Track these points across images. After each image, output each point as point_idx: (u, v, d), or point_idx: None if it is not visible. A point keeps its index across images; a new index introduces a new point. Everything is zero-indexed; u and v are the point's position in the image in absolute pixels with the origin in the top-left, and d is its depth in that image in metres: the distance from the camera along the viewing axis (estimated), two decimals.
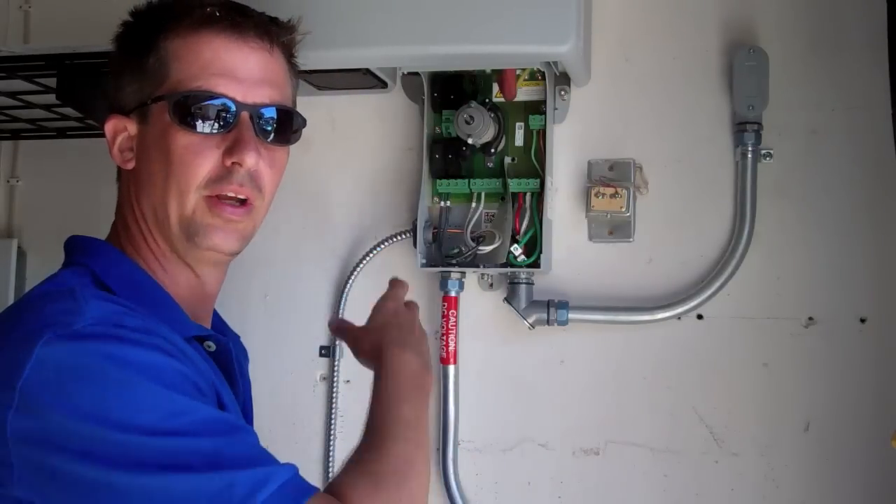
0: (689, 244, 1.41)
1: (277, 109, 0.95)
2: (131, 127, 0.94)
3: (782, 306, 1.37)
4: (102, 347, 0.78)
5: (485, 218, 1.46)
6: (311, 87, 1.46)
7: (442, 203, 1.47)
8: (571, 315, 1.40)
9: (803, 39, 1.39)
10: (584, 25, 1.33)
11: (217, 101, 0.91)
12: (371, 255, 1.50)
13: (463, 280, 1.46)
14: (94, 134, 1.55)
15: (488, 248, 1.43)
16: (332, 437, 1.52)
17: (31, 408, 0.75)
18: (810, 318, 1.37)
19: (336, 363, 1.52)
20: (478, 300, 1.48)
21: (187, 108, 0.90)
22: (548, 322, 1.41)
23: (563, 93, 1.44)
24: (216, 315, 1.06)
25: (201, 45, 0.91)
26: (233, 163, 0.90)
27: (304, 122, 1.00)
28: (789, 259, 1.38)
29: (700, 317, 1.40)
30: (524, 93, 1.44)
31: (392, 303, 1.08)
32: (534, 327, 1.42)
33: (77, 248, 0.95)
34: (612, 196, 1.39)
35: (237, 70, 0.92)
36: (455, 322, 1.45)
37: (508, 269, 1.42)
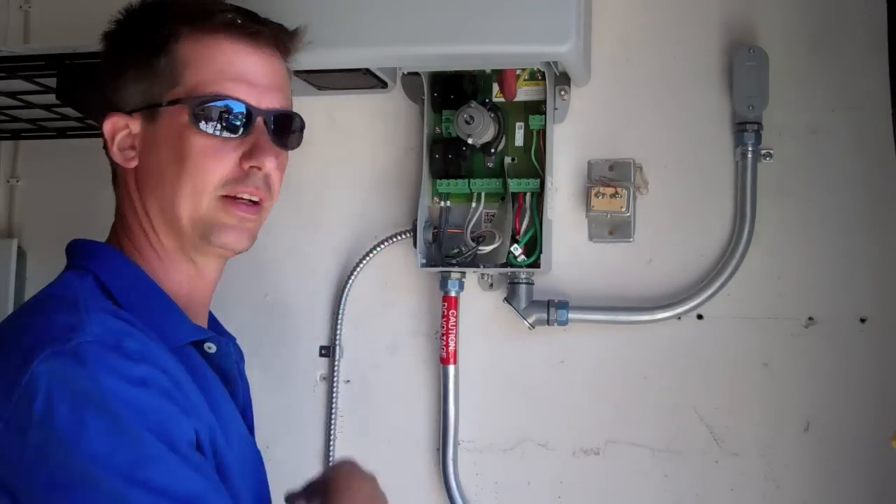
0: (689, 244, 1.41)
1: (286, 114, 0.98)
2: (134, 125, 0.94)
3: (783, 306, 1.37)
4: (95, 378, 0.77)
5: (485, 218, 1.46)
6: (311, 87, 1.46)
7: (442, 203, 1.47)
8: (571, 315, 1.40)
9: (804, 39, 1.39)
10: (584, 25, 1.33)
11: (236, 106, 0.93)
12: (371, 255, 1.50)
13: (463, 280, 1.46)
14: (94, 134, 1.54)
15: (488, 248, 1.43)
16: (332, 437, 1.52)
17: (20, 424, 0.76)
18: (811, 318, 1.37)
19: (336, 363, 1.52)
20: (478, 300, 1.48)
21: (207, 112, 0.92)
22: (548, 322, 1.40)
23: (563, 93, 1.44)
24: (212, 317, 1.06)
25: (219, 50, 0.94)
26: (251, 167, 0.94)
27: (304, 125, 1.03)
28: (790, 259, 1.38)
29: (700, 317, 1.40)
30: (524, 93, 1.44)
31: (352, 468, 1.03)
32: (534, 327, 1.42)
33: (79, 251, 0.96)
34: (612, 196, 1.39)
35: (251, 76, 0.94)
36: (455, 322, 1.45)
37: (508, 269, 1.42)
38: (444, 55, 1.32)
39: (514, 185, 1.42)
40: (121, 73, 0.95)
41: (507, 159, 1.44)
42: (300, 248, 1.56)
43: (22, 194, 1.72)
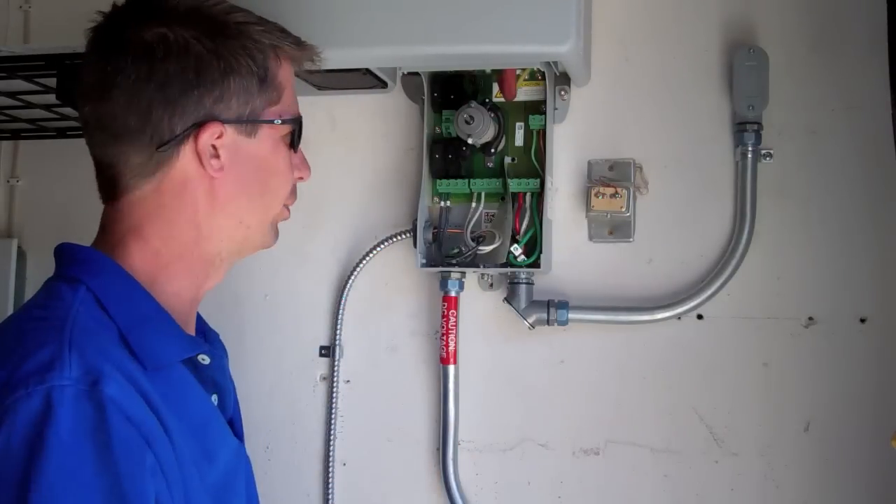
0: (689, 244, 1.41)
1: None
2: (229, 135, 0.94)
3: (782, 306, 1.37)
4: (59, 432, 0.77)
5: (485, 218, 1.46)
6: (311, 87, 1.46)
7: (442, 203, 1.47)
8: (571, 315, 1.40)
9: (803, 39, 1.39)
10: (584, 25, 1.33)
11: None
12: (371, 255, 1.50)
13: (463, 280, 1.46)
14: None
15: (488, 248, 1.43)
16: (332, 437, 1.51)
17: None
18: (810, 318, 1.37)
19: (336, 363, 1.52)
20: (478, 300, 1.48)
21: (300, 132, 1.02)
22: (548, 322, 1.41)
23: (563, 93, 1.44)
24: (197, 315, 1.06)
25: (291, 71, 1.02)
26: (298, 178, 1.04)
27: None
28: (789, 259, 1.38)
29: (700, 317, 1.40)
30: (524, 93, 1.44)
31: None
32: (534, 327, 1.42)
33: (71, 259, 0.93)
34: (612, 196, 1.39)
35: None
36: (455, 322, 1.45)
37: (508, 269, 1.42)
38: (444, 55, 1.32)
39: (514, 185, 1.42)
40: (223, 79, 0.92)
41: (507, 159, 1.44)
42: (300, 248, 1.56)
43: (22, 194, 1.72)
